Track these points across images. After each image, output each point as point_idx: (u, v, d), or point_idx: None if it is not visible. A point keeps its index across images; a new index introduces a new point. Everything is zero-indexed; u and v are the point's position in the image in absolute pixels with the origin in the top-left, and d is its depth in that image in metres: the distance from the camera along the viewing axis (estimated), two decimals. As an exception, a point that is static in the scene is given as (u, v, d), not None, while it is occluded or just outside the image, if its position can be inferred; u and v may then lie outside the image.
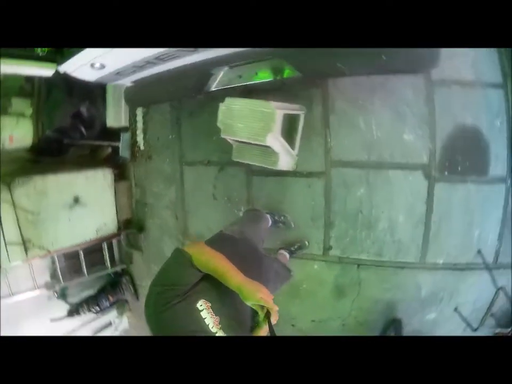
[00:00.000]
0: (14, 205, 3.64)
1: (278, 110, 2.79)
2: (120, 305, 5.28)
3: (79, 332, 4.91)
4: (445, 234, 3.03)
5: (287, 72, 2.81)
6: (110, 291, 5.04)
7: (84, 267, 4.47)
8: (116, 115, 4.31)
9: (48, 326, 4.57)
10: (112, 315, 5.27)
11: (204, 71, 2.78)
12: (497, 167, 2.84)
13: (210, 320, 1.57)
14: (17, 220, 3.69)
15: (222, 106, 2.97)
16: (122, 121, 4.38)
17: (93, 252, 4.64)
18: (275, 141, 2.89)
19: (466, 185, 2.91)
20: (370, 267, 3.26)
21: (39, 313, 4.49)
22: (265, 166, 3.13)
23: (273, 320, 1.67)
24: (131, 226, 4.77)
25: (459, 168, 2.90)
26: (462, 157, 2.89)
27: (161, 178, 4.37)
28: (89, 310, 4.81)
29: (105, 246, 4.67)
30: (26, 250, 3.79)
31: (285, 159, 3.12)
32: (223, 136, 3.05)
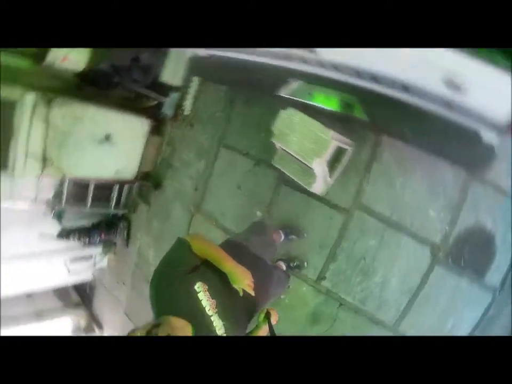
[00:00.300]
0: (47, 121, 3.69)
1: (333, 140, 2.95)
2: (108, 245, 5.47)
3: (57, 255, 5.09)
4: (424, 311, 3.20)
5: (356, 112, 2.94)
6: (104, 229, 5.19)
7: (89, 199, 4.58)
8: (173, 72, 4.37)
9: (34, 238, 4.72)
10: (96, 251, 5.44)
11: (281, 77, 2.88)
12: (493, 276, 2.97)
13: (206, 303, 1.74)
14: (46, 136, 3.75)
15: (284, 114, 3.08)
16: (177, 80, 4.45)
17: (103, 188, 4.75)
18: (320, 166, 3.05)
19: (461, 278, 3.06)
20: (350, 310, 3.47)
21: (30, 224, 4.62)
22: (301, 183, 3.31)
23: (273, 320, 1.89)
24: (148, 179, 4.90)
25: (462, 261, 3.05)
26: (469, 253, 3.04)
27: (195, 149, 4.48)
28: (79, 239, 4.94)
29: (116, 187, 4.80)
30: (43, 167, 3.87)
31: (319, 184, 3.28)
32: (273, 140, 3.19)
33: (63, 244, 4.96)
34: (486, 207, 2.92)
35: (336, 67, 2.16)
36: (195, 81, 4.42)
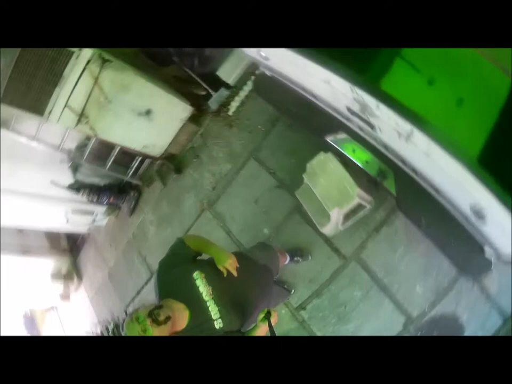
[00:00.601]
0: (96, 80, 3.80)
1: (357, 197, 3.23)
2: (113, 208, 5.74)
3: (61, 202, 5.34)
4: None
5: (388, 183, 3.19)
6: (114, 193, 5.45)
7: (109, 161, 4.82)
8: (230, 71, 4.55)
9: (45, 182, 4.95)
10: (99, 209, 5.70)
11: (334, 128, 3.10)
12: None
13: (204, 289, 2.07)
14: (90, 94, 3.87)
15: (322, 156, 3.32)
16: (231, 79, 4.64)
17: (126, 155, 5.00)
18: (337, 214, 3.33)
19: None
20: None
21: (46, 168, 4.88)
22: (313, 220, 3.59)
23: (273, 321, 2.07)
24: (172, 161, 5.12)
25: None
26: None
27: (226, 150, 4.72)
28: (88, 195, 5.17)
29: (138, 159, 5.08)
30: (78, 122, 4.00)
31: (330, 228, 3.56)
32: (303, 175, 3.46)
33: (69, 194, 5.17)
34: (466, 303, 3.20)
35: (386, 147, 2.40)
36: (248, 86, 4.59)
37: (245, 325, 2.24)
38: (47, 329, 7.48)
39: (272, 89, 3.47)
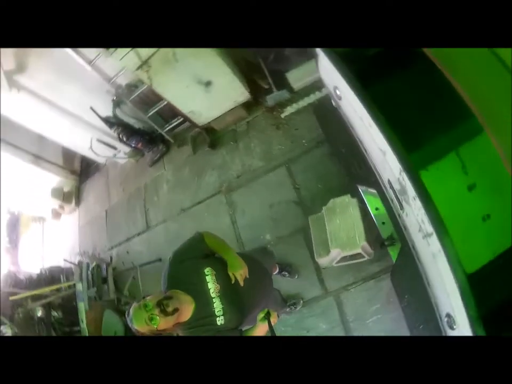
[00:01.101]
0: None
1: (361, 248, 3.55)
2: (137, 153, 6.06)
3: (91, 128, 5.60)
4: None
5: (392, 251, 3.51)
6: (144, 140, 5.71)
7: (153, 110, 5.14)
8: (299, 77, 4.78)
9: (83, 104, 5.20)
10: (124, 148, 6.00)
11: (370, 179, 3.25)
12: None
13: (212, 286, 2.20)
14: (159, 49, 4.04)
15: (346, 198, 3.62)
16: (296, 85, 4.88)
17: (169, 111, 5.30)
18: (336, 254, 3.65)
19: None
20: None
21: (91, 94, 5.18)
22: (314, 247, 3.86)
23: (273, 321, 2.20)
24: (209, 135, 5.40)
25: None
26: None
27: (264, 148, 5.01)
28: (118, 133, 5.44)
29: (180, 119, 5.39)
30: (139, 67, 4.22)
31: (325, 261, 3.88)
32: (323, 207, 3.75)
33: (103, 124, 5.42)
34: None
35: (405, 228, 2.70)
36: (309, 99, 4.82)
37: (243, 324, 2.36)
38: (27, 237, 7.72)
39: (331, 119, 3.72)
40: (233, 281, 2.28)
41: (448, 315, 2.21)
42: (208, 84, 4.57)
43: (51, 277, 5.55)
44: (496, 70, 2.04)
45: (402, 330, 3.48)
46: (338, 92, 2.87)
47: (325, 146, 4.54)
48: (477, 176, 2.52)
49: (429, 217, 2.10)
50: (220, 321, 2.16)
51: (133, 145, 5.77)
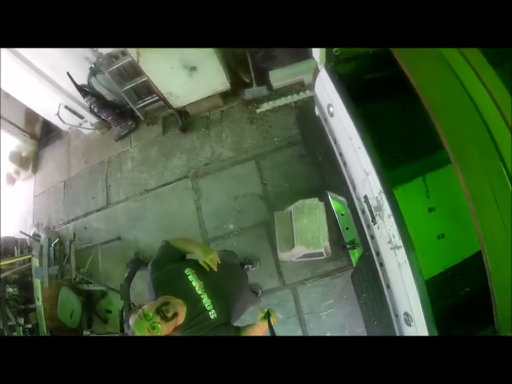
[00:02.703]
0: None
1: (323, 248, 4.11)
2: (105, 125, 6.23)
3: (61, 93, 5.58)
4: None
5: (354, 255, 4.09)
6: (116, 114, 5.87)
7: (130, 85, 5.40)
8: (280, 77, 5.21)
9: (59, 68, 5.17)
10: (91, 119, 6.10)
11: (343, 189, 3.82)
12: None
13: (196, 284, 2.41)
14: None
15: (314, 201, 4.09)
16: (276, 84, 5.30)
17: (145, 88, 5.60)
18: (299, 251, 4.16)
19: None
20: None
21: (67, 56, 5.14)
22: (277, 242, 4.34)
23: (273, 320, 2.35)
24: (182, 118, 5.69)
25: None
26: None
27: (235, 139, 5.43)
28: (91, 104, 5.53)
29: (152, 98, 5.70)
30: None
31: (287, 256, 4.40)
32: (292, 206, 4.23)
33: (76, 91, 5.45)
34: None
35: (372, 237, 3.25)
36: (287, 99, 5.29)
37: (232, 315, 2.60)
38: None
39: (312, 127, 4.24)
40: (208, 270, 2.51)
41: (406, 314, 2.83)
42: (193, 69, 4.86)
43: (4, 249, 5.31)
44: (469, 111, 2.65)
45: (353, 323, 4.18)
46: (331, 109, 3.37)
47: (296, 147, 5.06)
48: (437, 201, 3.22)
49: (400, 234, 2.72)
50: (212, 315, 2.37)
51: (103, 117, 5.87)
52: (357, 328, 4.23)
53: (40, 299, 4.58)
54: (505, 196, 2.44)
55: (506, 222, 2.42)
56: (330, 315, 4.44)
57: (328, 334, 4.38)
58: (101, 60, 5.16)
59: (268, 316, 2.39)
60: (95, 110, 5.63)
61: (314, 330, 4.46)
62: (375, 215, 3.00)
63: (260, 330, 2.45)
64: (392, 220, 2.76)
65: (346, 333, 4.32)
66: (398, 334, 3.11)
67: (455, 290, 3.13)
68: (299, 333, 4.48)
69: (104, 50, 5.06)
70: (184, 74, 4.90)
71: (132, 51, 4.63)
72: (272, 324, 2.35)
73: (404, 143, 3.37)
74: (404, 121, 3.26)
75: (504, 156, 2.48)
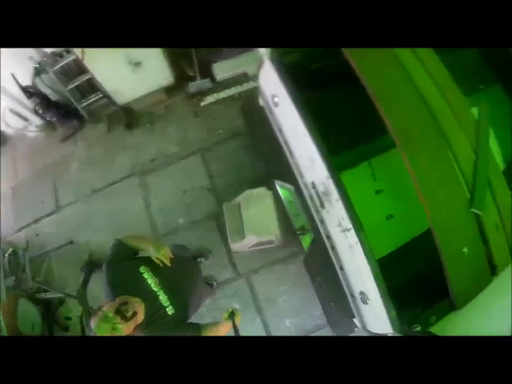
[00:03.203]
0: None
1: (274, 236, 4.10)
2: (51, 127, 5.89)
3: (6, 98, 5.30)
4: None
5: (304, 240, 4.07)
6: (61, 115, 5.59)
7: (74, 84, 5.15)
8: (224, 69, 5.15)
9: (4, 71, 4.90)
10: (36, 120, 5.78)
11: (289, 177, 3.65)
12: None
13: (152, 281, 2.39)
14: None
15: (262, 190, 4.13)
16: (220, 76, 5.23)
17: (89, 86, 5.37)
18: (249, 240, 4.14)
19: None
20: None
21: (12, 57, 4.81)
22: (228, 233, 4.30)
23: (237, 320, 2.37)
24: (127, 114, 5.53)
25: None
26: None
27: (179, 134, 5.30)
28: (36, 104, 5.29)
29: (96, 96, 5.46)
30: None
31: (239, 246, 4.35)
32: (240, 196, 4.23)
33: (19, 93, 5.21)
34: None
35: (322, 221, 3.23)
36: (231, 91, 5.24)
37: (190, 309, 2.59)
38: None
39: (256, 117, 4.14)
40: (161, 265, 2.49)
41: (361, 293, 2.84)
42: (137, 64, 4.77)
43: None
44: (414, 98, 2.68)
45: (310, 306, 4.22)
46: (276, 100, 3.34)
47: (240, 138, 5.03)
48: (384, 183, 3.25)
49: (349, 217, 2.73)
50: (170, 311, 2.38)
51: (48, 118, 5.64)
52: (314, 312, 4.28)
53: (0, 313, 4.29)
54: (451, 175, 2.48)
55: (452, 200, 2.46)
56: (287, 301, 4.44)
57: (286, 320, 4.40)
58: (45, 59, 4.92)
59: (232, 316, 2.41)
60: (40, 111, 5.41)
61: (272, 317, 4.44)
62: (323, 200, 2.98)
63: (224, 329, 2.45)
64: (340, 203, 2.77)
65: (304, 317, 4.35)
66: (355, 313, 3.12)
67: (408, 267, 3.18)
68: (258, 321, 4.44)
69: (49, 49, 4.84)
70: (128, 70, 4.79)
71: (76, 49, 4.50)
72: (237, 323, 2.36)
73: (348, 130, 3.38)
74: (348, 108, 3.27)
75: (448, 137, 2.51)
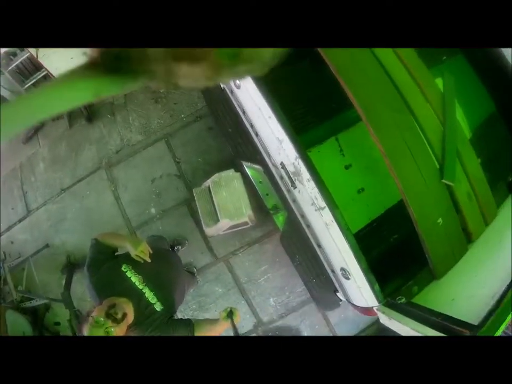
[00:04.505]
0: None
1: (247, 217, 4.05)
2: None
3: None
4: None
5: (278, 219, 4.07)
6: None
7: (30, 82, 4.86)
8: None
9: None
10: None
11: (256, 157, 3.66)
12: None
13: (135, 279, 2.33)
14: None
15: (230, 172, 4.05)
16: None
17: (43, 83, 4.94)
18: (223, 223, 4.09)
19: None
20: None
21: None
22: (201, 218, 4.24)
23: (236, 319, 2.32)
24: (86, 108, 5.24)
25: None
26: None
27: (142, 122, 5.14)
28: None
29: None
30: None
31: (213, 230, 4.32)
32: (209, 181, 4.14)
33: None
34: (309, 323, 4.39)
35: (294, 201, 3.21)
36: None
37: (176, 302, 2.54)
38: None
39: (218, 100, 4.09)
40: (142, 262, 2.41)
41: (342, 269, 2.85)
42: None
43: None
44: (376, 72, 2.62)
45: (292, 283, 4.28)
46: (238, 82, 3.22)
47: (203, 121, 4.93)
48: (353, 157, 3.21)
49: (322, 196, 2.71)
50: (158, 307, 2.32)
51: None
52: (297, 288, 4.34)
53: None
54: (419, 147, 2.45)
55: (423, 171, 2.44)
56: (268, 280, 4.48)
57: (270, 299, 4.44)
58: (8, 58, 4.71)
59: (230, 314, 2.35)
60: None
61: (256, 297, 4.47)
62: (294, 180, 2.95)
63: (221, 328, 2.41)
64: (312, 183, 2.74)
65: (288, 294, 4.40)
66: (338, 288, 3.15)
67: (384, 239, 3.19)
68: (243, 303, 4.46)
69: (1, 49, 4.58)
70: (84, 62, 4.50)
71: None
72: (236, 322, 2.31)
73: (312, 107, 3.33)
74: (311, 84, 3.19)
75: (414, 109, 2.47)
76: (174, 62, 0.63)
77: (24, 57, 4.67)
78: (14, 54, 4.72)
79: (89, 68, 0.68)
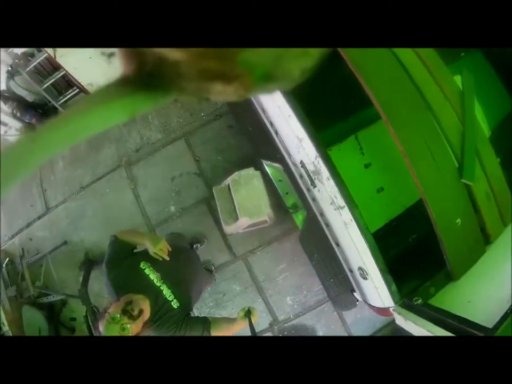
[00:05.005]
0: None
1: (266, 216, 4.07)
2: (30, 128, 5.65)
3: None
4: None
5: (297, 217, 4.09)
6: (38, 115, 5.39)
7: (49, 82, 4.94)
8: None
9: None
10: (15, 124, 5.59)
11: (276, 156, 3.67)
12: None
13: (153, 276, 2.36)
14: None
15: (250, 171, 4.06)
16: None
17: (65, 82, 5.20)
18: (243, 221, 4.11)
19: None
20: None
21: None
22: (220, 216, 4.28)
23: (254, 319, 2.35)
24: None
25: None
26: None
27: (162, 120, 5.17)
28: (13, 108, 5.14)
29: (75, 90, 5.19)
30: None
31: (232, 228, 4.35)
32: (229, 179, 4.16)
33: None
34: (325, 323, 4.38)
35: (314, 200, 3.20)
36: None
37: (192, 300, 2.57)
38: None
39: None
40: (161, 259, 2.45)
41: (360, 268, 2.84)
42: (111, 55, 4.60)
43: None
44: (395, 69, 2.61)
45: (310, 282, 4.27)
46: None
47: (223, 119, 4.94)
48: (372, 156, 3.20)
49: (341, 195, 2.71)
50: (175, 304, 2.35)
51: (27, 121, 5.40)
52: (315, 287, 4.34)
53: (6, 324, 4.24)
54: (439, 146, 2.43)
55: (442, 171, 2.42)
56: (286, 278, 4.49)
57: (287, 298, 4.45)
58: (17, 60, 4.77)
59: (248, 314, 2.39)
60: (18, 114, 5.24)
61: (274, 296, 4.49)
62: (313, 178, 2.95)
63: (239, 327, 2.43)
64: (331, 182, 2.74)
65: (305, 293, 4.41)
66: (355, 287, 3.13)
67: (402, 239, 3.17)
68: (260, 301, 4.48)
69: (19, 50, 4.69)
70: (103, 61, 4.61)
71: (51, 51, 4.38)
72: (253, 322, 2.35)
73: (332, 105, 3.31)
74: (330, 83, 3.17)
75: (433, 107, 2.45)
76: (207, 81, 0.61)
77: (42, 57, 4.72)
78: (32, 55, 4.79)
79: (123, 86, 0.63)
